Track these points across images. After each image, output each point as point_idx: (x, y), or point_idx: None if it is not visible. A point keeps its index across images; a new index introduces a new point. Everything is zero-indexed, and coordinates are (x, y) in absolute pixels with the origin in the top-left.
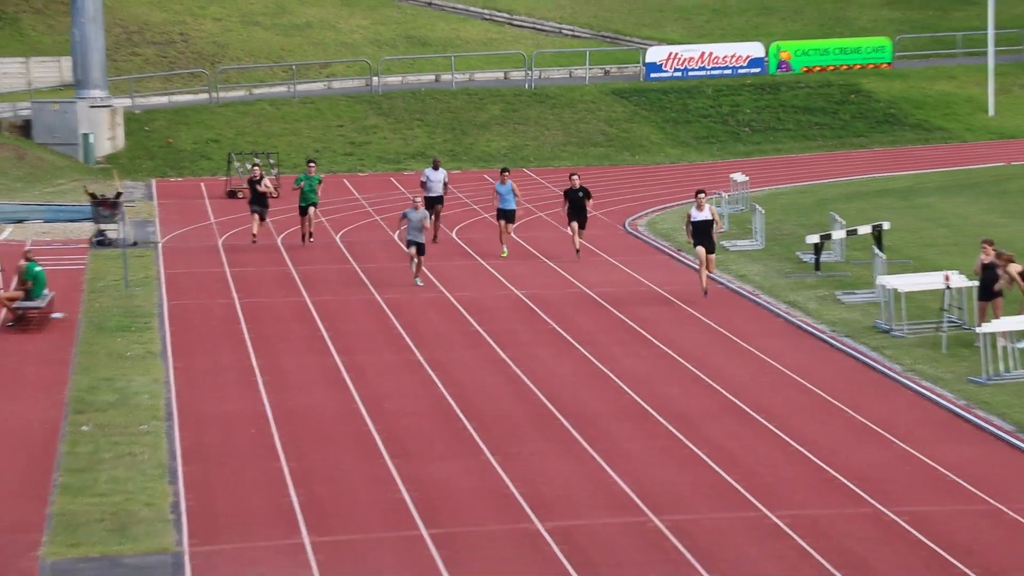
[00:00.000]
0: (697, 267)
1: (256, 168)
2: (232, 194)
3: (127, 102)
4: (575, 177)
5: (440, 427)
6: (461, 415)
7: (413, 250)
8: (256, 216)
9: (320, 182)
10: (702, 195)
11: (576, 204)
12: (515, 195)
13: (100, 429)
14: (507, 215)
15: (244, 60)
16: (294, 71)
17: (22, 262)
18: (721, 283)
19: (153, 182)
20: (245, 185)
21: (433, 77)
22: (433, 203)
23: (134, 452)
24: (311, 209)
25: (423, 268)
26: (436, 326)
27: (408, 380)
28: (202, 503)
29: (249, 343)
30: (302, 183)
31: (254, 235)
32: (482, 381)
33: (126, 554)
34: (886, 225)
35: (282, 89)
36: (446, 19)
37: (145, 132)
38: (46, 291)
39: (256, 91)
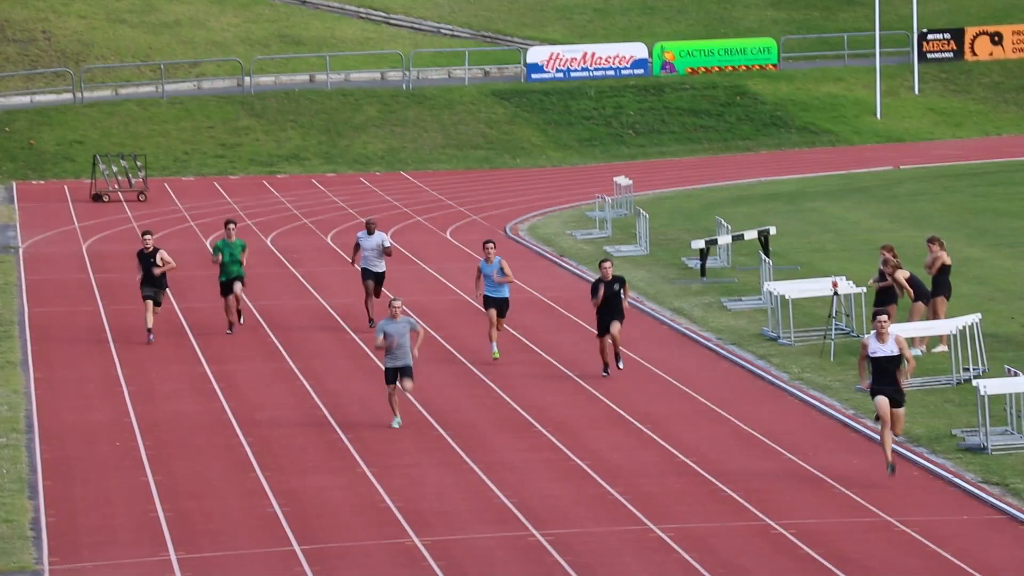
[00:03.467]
0: (880, 428)
1: (148, 238)
2: (97, 197)
3: None
4: (607, 265)
5: (313, 439)
6: (335, 426)
7: (407, 383)
8: (149, 303)
9: (244, 249)
10: (884, 319)
11: (612, 302)
12: (506, 275)
13: None
14: (496, 305)
15: (110, 59)
16: (162, 70)
17: None
18: None
19: (14, 184)
20: (140, 256)
21: (308, 77)
22: (369, 278)
23: None
24: (236, 285)
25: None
26: (310, 333)
27: (280, 389)
28: (63, 519)
29: (115, 352)
30: (220, 253)
31: (149, 329)
32: (357, 390)
33: None
34: (773, 230)
35: (150, 89)
36: (321, 17)
37: (5, 133)
38: None
39: (123, 91)
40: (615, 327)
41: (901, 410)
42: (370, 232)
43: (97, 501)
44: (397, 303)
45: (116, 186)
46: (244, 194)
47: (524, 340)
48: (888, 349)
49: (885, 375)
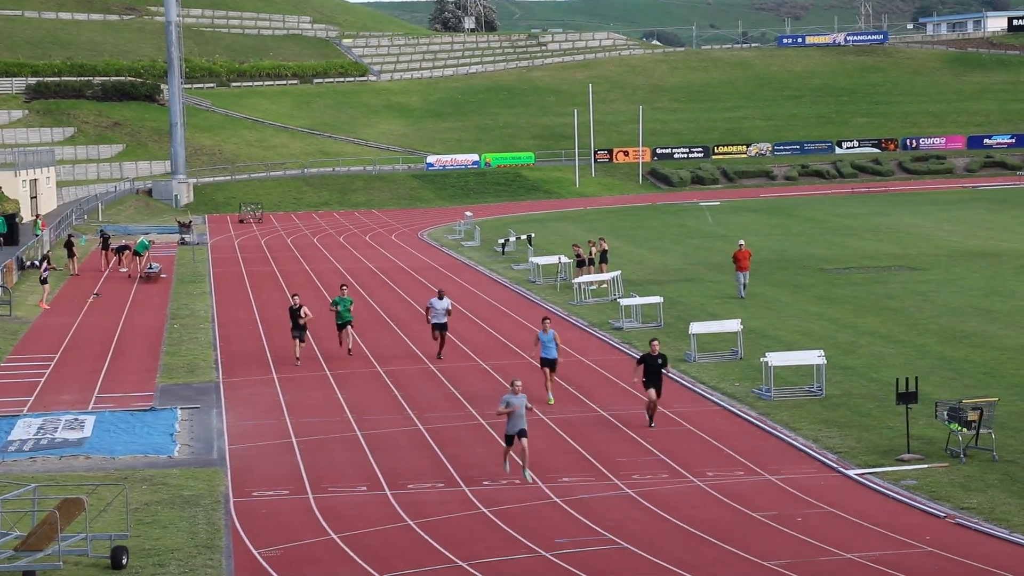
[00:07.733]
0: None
1: (296, 298)
2: (241, 221)
3: (195, 180)
4: (655, 343)
5: (331, 321)
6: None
7: (524, 441)
8: (296, 340)
9: (352, 303)
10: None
11: (653, 371)
12: (557, 344)
13: (183, 327)
14: (550, 363)
15: (248, 161)
16: (268, 166)
17: (134, 242)
18: (461, 260)
19: (206, 216)
20: (290, 311)
21: (331, 169)
22: (439, 328)
23: (198, 337)
24: (347, 328)
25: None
26: (335, 283)
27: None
28: (227, 358)
29: (249, 288)
30: (337, 305)
31: (297, 357)
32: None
33: (194, 382)
34: (533, 235)
35: (264, 175)
36: (338, 143)
37: (204, 194)
38: (158, 264)
39: (253, 175)
40: (653, 394)
41: None
42: (440, 298)
43: (242, 350)
44: (518, 383)
45: (249, 216)
46: (304, 221)
47: (424, 280)
48: None
49: None
